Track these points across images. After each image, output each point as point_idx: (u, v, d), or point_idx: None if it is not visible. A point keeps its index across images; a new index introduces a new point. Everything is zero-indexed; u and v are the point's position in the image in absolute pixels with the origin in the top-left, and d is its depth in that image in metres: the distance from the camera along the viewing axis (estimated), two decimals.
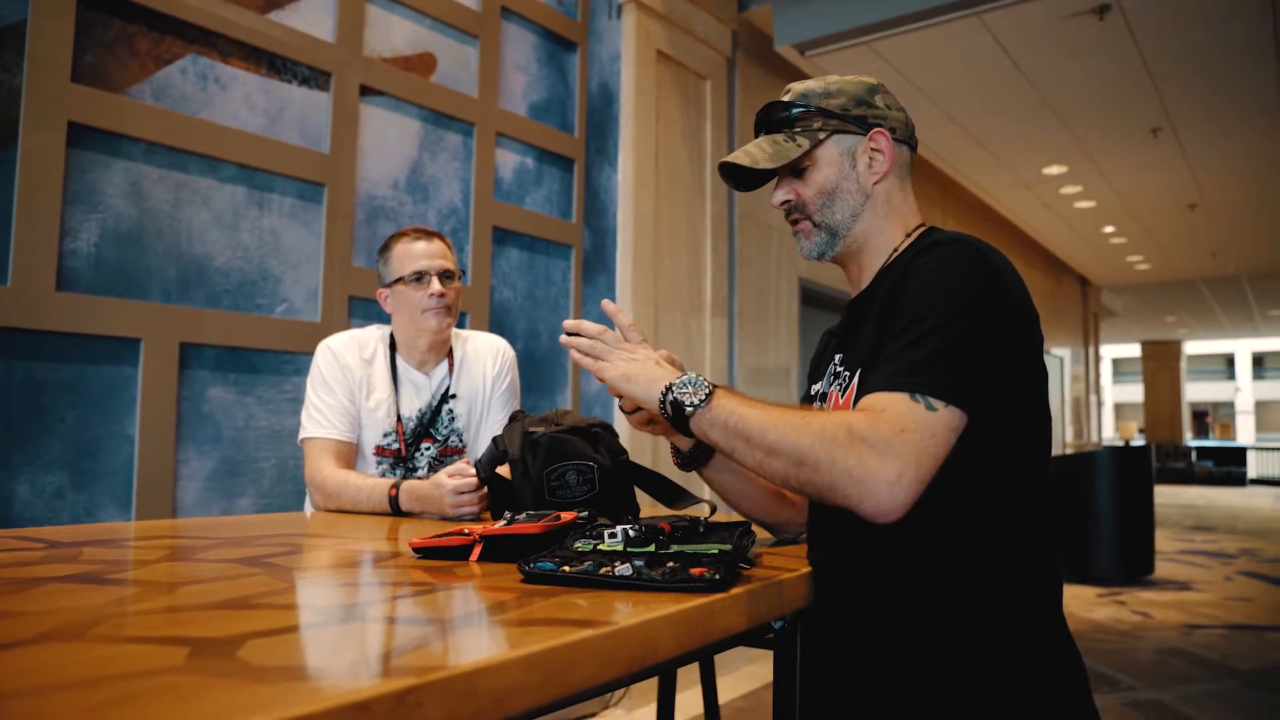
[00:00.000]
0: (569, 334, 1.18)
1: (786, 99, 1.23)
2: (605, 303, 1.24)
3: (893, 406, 0.95)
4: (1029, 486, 1.07)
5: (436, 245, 1.97)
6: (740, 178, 1.25)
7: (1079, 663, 1.08)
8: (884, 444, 0.92)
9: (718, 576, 0.91)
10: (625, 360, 1.14)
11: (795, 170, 1.22)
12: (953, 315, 1.00)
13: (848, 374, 1.16)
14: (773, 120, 1.23)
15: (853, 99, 1.21)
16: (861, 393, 1.09)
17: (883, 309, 1.09)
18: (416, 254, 1.94)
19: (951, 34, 4.41)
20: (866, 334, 1.13)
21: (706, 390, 1.04)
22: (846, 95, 1.21)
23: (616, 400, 1.21)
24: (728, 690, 3.47)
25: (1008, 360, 1.03)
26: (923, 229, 1.23)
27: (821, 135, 1.19)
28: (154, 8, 2.24)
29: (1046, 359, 10.60)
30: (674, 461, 1.32)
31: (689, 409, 1.03)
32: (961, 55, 4.75)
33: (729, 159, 1.21)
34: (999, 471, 1.03)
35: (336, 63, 2.66)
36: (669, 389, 1.06)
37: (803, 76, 4.82)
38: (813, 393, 1.29)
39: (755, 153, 1.20)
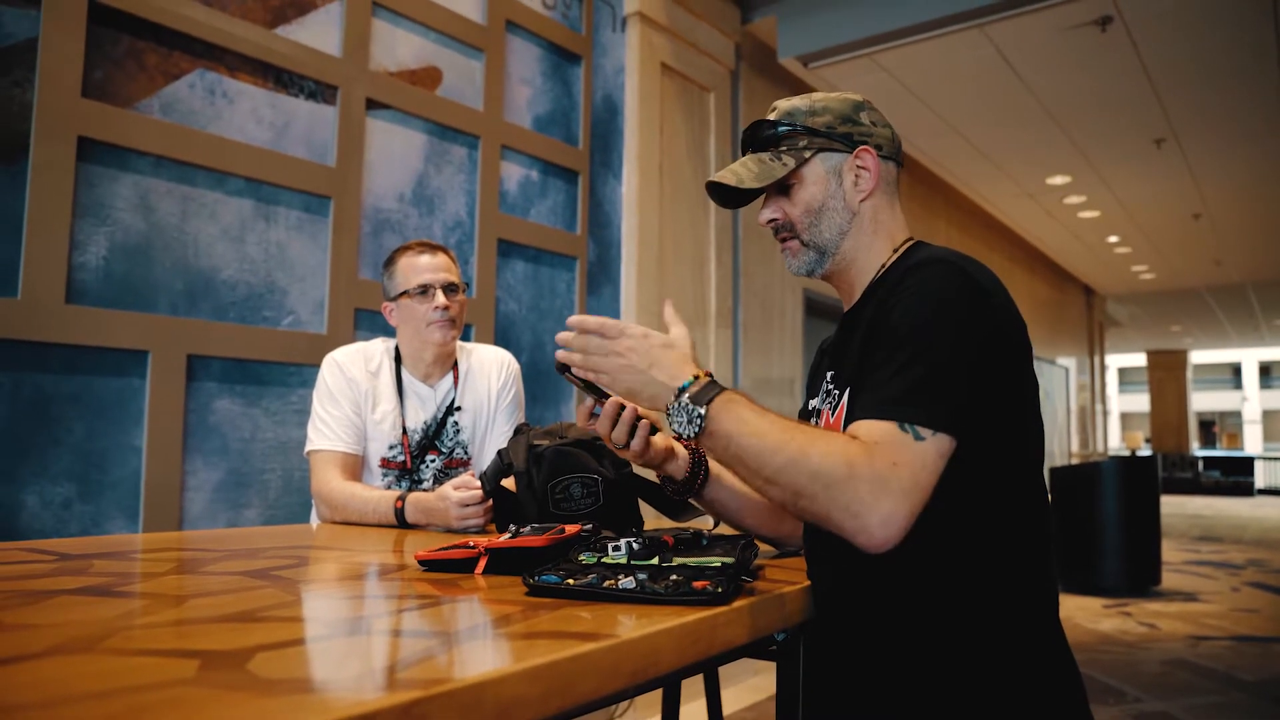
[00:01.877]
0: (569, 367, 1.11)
1: (772, 117, 1.24)
2: (569, 319, 1.13)
3: (884, 439, 0.96)
4: (1023, 497, 1.08)
5: (440, 259, 1.99)
6: (727, 196, 1.25)
7: (1076, 674, 1.08)
8: (878, 479, 0.94)
9: (720, 590, 0.92)
10: (620, 369, 1.06)
11: (782, 188, 1.23)
12: (937, 338, 1.01)
13: (837, 392, 1.17)
14: (759, 139, 1.24)
15: (838, 117, 1.22)
16: (851, 415, 1.10)
17: (868, 330, 1.10)
18: (421, 267, 1.96)
19: (954, 45, 4.43)
20: (854, 352, 1.14)
21: (700, 420, 1.01)
22: (832, 113, 1.22)
23: (609, 430, 1.19)
24: (732, 702, 3.47)
25: (996, 376, 1.04)
26: (910, 244, 1.24)
27: (807, 154, 1.20)
28: (162, 23, 2.27)
29: (1052, 369, 10.61)
30: (665, 490, 1.32)
31: (687, 439, 1.03)
32: (964, 66, 4.77)
33: (715, 178, 1.22)
34: (993, 484, 1.04)
35: (343, 77, 2.68)
36: (670, 416, 1.04)
37: (806, 88, 4.84)
38: (809, 408, 1.30)
39: (741, 172, 1.21)
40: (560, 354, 1.11)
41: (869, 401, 1.01)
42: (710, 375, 1.05)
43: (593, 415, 1.19)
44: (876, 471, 0.94)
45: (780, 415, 1.04)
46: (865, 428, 0.99)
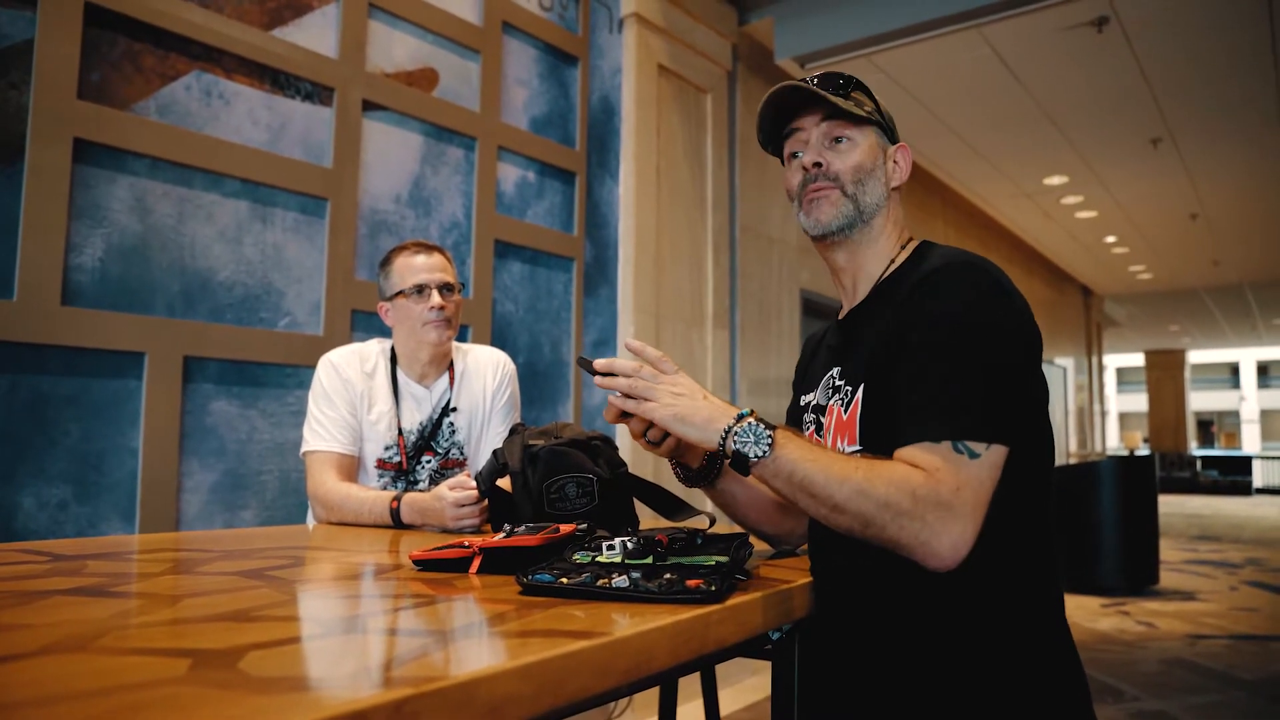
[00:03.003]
0: (602, 374, 1.13)
1: (847, 75, 1.24)
2: (629, 341, 1.19)
3: (944, 464, 0.97)
4: (1031, 499, 1.08)
5: (436, 259, 1.99)
6: (781, 113, 1.23)
7: (1080, 673, 1.08)
8: (945, 505, 0.95)
9: (713, 588, 0.92)
10: (673, 397, 1.09)
11: (834, 138, 1.21)
12: (973, 347, 1.02)
13: (849, 388, 1.16)
14: (827, 85, 1.21)
15: (885, 114, 1.27)
16: (868, 410, 1.10)
17: (893, 329, 1.09)
18: (416, 267, 1.96)
19: (951, 46, 4.44)
20: (869, 347, 1.13)
21: (768, 441, 1.01)
22: (881, 106, 1.26)
23: (642, 429, 1.18)
24: (730, 702, 3.47)
25: (1022, 381, 1.05)
26: (914, 243, 1.24)
27: (874, 117, 1.23)
28: (159, 25, 2.27)
29: (1049, 369, 10.63)
30: (678, 478, 1.31)
31: (753, 460, 1.02)
32: (961, 67, 4.77)
33: (806, 85, 1.18)
34: (1002, 485, 1.04)
35: (339, 78, 2.68)
36: (728, 434, 1.03)
37: None
38: (803, 403, 1.29)
39: (828, 94, 1.19)
40: (600, 380, 1.13)
41: (916, 422, 1.01)
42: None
43: (624, 415, 1.17)
44: (941, 498, 0.95)
45: (831, 449, 1.05)
46: (922, 455, 0.99)
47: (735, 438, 1.03)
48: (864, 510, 0.97)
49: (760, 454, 1.01)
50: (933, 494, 0.95)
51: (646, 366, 1.13)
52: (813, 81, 1.22)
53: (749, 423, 1.03)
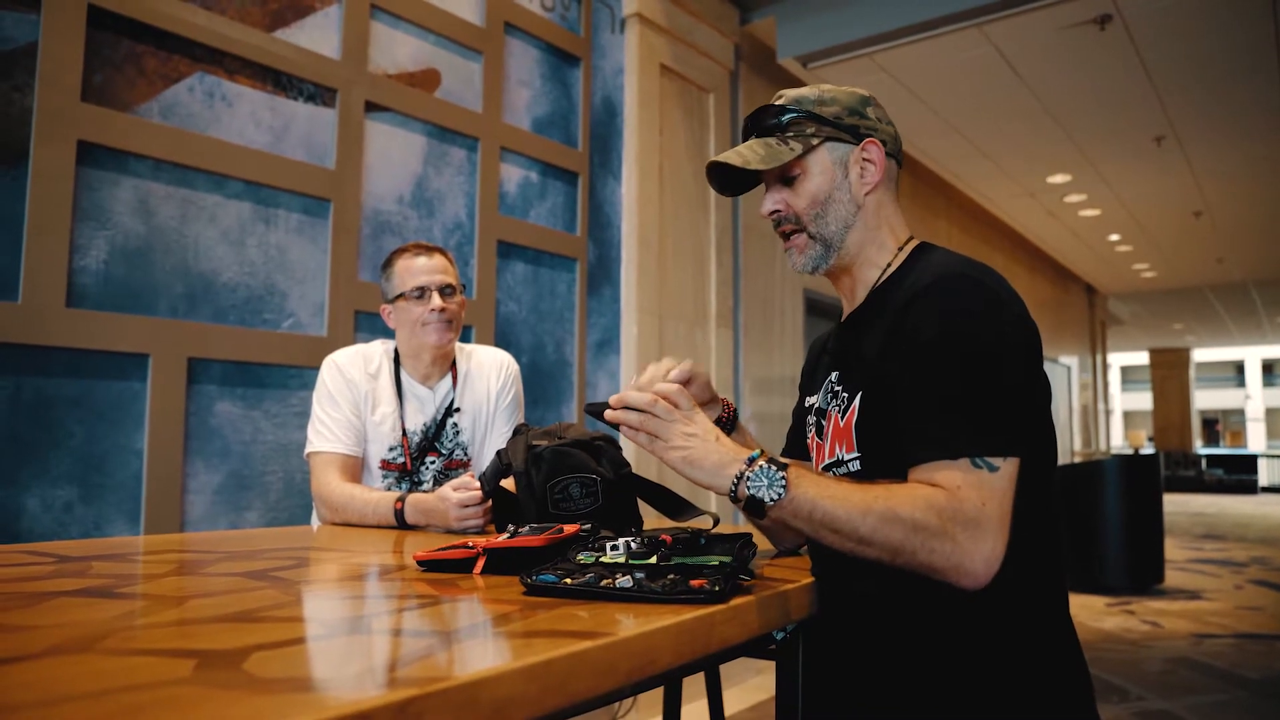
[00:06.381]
0: (615, 409, 1.08)
1: (780, 104, 1.22)
2: (659, 386, 1.10)
3: (964, 481, 0.97)
4: (1035, 498, 1.08)
5: (437, 260, 1.99)
6: (726, 180, 1.24)
7: (1084, 672, 1.08)
8: (971, 523, 0.95)
9: (717, 588, 0.92)
10: (684, 438, 1.04)
11: (785, 179, 1.21)
12: (978, 362, 1.01)
13: (846, 395, 1.16)
14: (764, 124, 1.22)
15: (846, 108, 1.21)
16: (865, 419, 1.10)
17: (888, 339, 1.09)
18: (417, 270, 1.96)
19: (953, 45, 4.43)
20: (866, 355, 1.13)
21: (782, 483, 0.99)
22: (840, 104, 1.21)
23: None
24: (735, 701, 3.47)
25: (1026, 388, 1.05)
26: (913, 243, 1.23)
27: (815, 141, 1.19)
28: (162, 27, 2.27)
29: (1054, 367, 10.62)
30: None
31: (769, 504, 0.99)
32: (963, 66, 4.77)
33: (720, 158, 1.20)
34: None
35: (342, 79, 2.69)
36: (739, 481, 1.00)
37: None
38: (807, 405, 1.29)
39: (747, 154, 1.19)
40: (611, 414, 1.08)
41: (928, 441, 1.00)
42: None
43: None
44: (968, 516, 0.95)
45: (845, 479, 1.04)
46: (941, 473, 0.98)
47: (748, 483, 0.99)
48: (892, 538, 0.96)
49: (775, 497, 0.99)
50: (959, 512, 0.95)
51: (662, 401, 1.06)
52: (745, 123, 1.24)
53: (760, 466, 1.00)
